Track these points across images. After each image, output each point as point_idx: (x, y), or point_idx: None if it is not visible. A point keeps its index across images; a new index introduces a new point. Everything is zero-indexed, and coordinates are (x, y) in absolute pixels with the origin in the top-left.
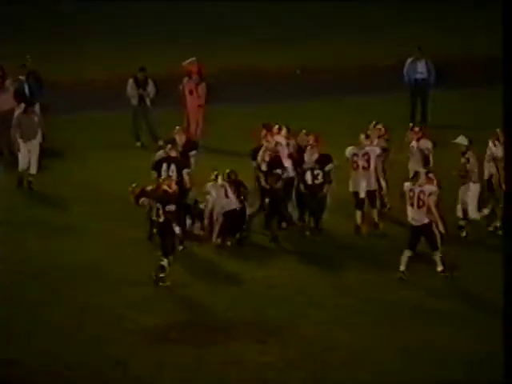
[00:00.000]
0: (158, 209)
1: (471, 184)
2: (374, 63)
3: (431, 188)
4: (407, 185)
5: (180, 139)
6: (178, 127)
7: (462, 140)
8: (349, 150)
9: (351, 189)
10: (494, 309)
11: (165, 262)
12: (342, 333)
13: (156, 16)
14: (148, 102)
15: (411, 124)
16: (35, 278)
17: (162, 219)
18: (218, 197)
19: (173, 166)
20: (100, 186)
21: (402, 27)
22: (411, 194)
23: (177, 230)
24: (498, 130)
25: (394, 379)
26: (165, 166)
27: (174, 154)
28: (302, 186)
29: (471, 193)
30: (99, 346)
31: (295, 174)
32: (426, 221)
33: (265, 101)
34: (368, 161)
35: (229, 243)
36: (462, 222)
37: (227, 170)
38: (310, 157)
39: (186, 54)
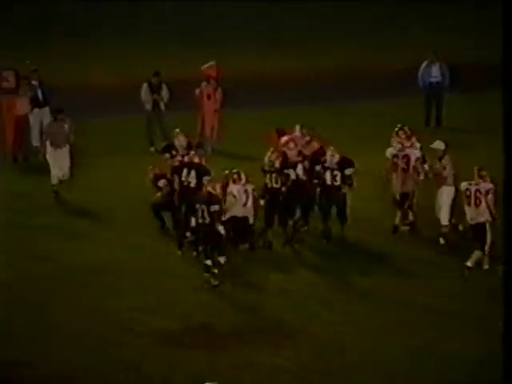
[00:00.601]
0: (202, 210)
1: (445, 187)
2: (382, 67)
3: (487, 186)
4: (463, 184)
5: (180, 142)
6: (177, 130)
7: (438, 145)
8: (389, 151)
9: (396, 189)
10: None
11: (209, 262)
12: (355, 336)
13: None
14: (162, 106)
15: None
16: (47, 281)
17: (207, 220)
18: (237, 199)
19: (193, 172)
20: (113, 191)
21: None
22: (468, 193)
23: (221, 229)
24: None
25: (405, 381)
26: (185, 171)
27: (196, 159)
28: (318, 189)
29: (444, 196)
30: (111, 349)
31: (307, 176)
32: (482, 220)
33: (271, 106)
34: (407, 163)
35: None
36: (442, 229)
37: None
38: (331, 158)
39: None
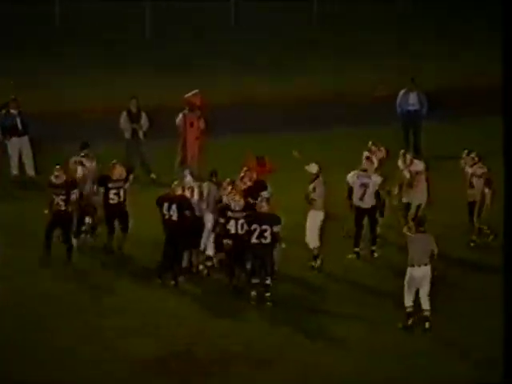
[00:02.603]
0: (263, 231)
1: (313, 211)
2: (366, 94)
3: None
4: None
5: (115, 173)
6: (114, 161)
7: (311, 168)
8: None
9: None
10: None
11: (269, 281)
12: (336, 362)
13: (143, 44)
14: (141, 135)
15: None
16: (39, 303)
17: (268, 240)
18: None
19: (174, 207)
20: None
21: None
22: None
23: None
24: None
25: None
26: (166, 205)
27: (179, 191)
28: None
29: (312, 220)
30: (95, 372)
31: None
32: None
33: (255, 132)
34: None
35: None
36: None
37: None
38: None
39: (170, 84)
